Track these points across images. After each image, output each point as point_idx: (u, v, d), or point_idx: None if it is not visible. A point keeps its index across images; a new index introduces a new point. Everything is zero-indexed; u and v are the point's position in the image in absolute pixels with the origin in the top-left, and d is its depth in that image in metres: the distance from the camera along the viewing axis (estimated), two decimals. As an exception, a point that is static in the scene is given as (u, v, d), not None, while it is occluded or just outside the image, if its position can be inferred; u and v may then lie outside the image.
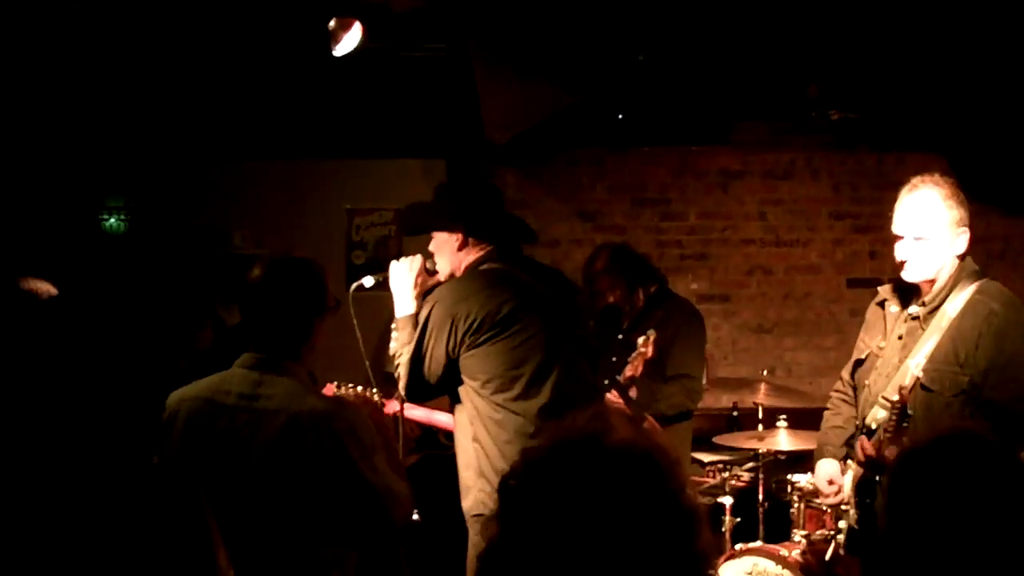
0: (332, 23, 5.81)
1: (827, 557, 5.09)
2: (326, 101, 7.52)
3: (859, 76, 7.25)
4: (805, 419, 6.18)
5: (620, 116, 7.63)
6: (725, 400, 8.11)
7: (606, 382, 5.68)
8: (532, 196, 8.56)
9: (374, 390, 5.19)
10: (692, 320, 6.47)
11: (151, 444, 3.73)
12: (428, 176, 7.95)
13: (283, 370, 3.69)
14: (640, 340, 5.87)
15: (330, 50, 5.84)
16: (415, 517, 4.74)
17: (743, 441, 6.24)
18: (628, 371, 5.79)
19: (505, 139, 7.29)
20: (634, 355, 5.84)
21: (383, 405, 5.20)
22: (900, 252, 4.41)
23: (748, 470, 6.45)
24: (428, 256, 4.78)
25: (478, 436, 4.60)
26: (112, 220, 7.87)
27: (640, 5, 6.54)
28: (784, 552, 5.42)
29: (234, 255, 7.06)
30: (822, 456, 4.84)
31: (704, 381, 6.59)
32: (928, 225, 4.34)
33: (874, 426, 4.46)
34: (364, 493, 3.61)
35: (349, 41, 5.79)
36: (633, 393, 5.81)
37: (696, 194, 8.81)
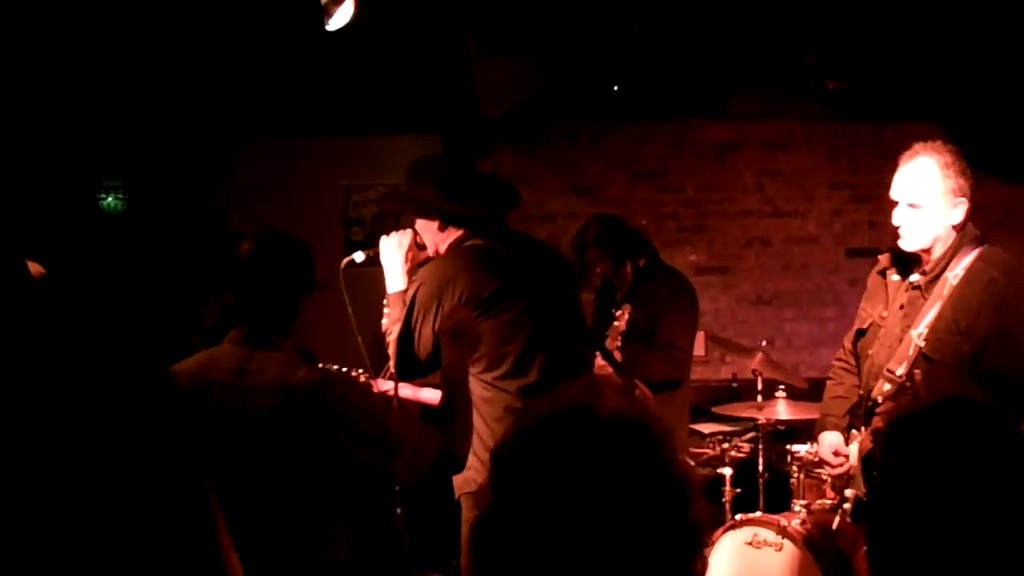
0: (324, -3, 5.78)
1: (834, 526, 5.10)
2: (321, 78, 7.50)
3: (855, 45, 7.22)
4: (804, 390, 6.21)
5: (616, 89, 7.60)
6: (724, 371, 8.15)
7: (596, 352, 5.67)
8: (528, 171, 8.55)
9: (361, 371, 5.18)
10: (681, 292, 6.45)
11: (163, 425, 3.73)
12: (424, 151, 7.94)
13: (272, 345, 3.70)
14: (617, 313, 5.87)
15: (323, 25, 5.80)
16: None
17: (742, 411, 6.24)
18: (607, 344, 5.79)
19: (499, 113, 7.27)
20: (610, 328, 5.85)
21: (372, 385, 5.20)
22: (895, 218, 4.41)
23: (748, 441, 6.46)
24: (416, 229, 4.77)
25: None
26: (110, 199, 7.86)
27: (634, -24, 6.53)
28: (784, 522, 5.43)
29: (233, 234, 7.04)
30: (824, 428, 4.84)
31: (703, 352, 6.59)
32: (922, 193, 4.33)
33: (880, 399, 4.46)
34: (357, 463, 3.62)
35: (342, 15, 5.75)
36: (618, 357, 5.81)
37: (693, 167, 8.81)
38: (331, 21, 5.73)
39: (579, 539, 1.82)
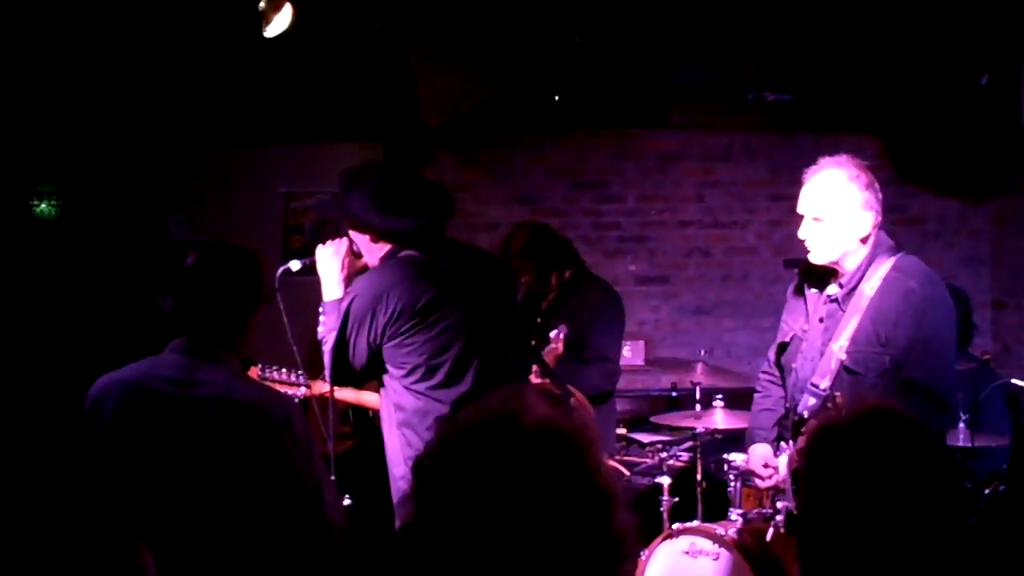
0: (262, 4, 5.75)
1: (768, 538, 5.12)
2: (260, 85, 7.45)
3: (794, 58, 7.28)
4: (744, 399, 6.23)
5: (557, 98, 7.60)
6: (664, 381, 8.16)
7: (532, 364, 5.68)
8: (470, 180, 8.55)
9: (300, 372, 5.17)
10: (609, 303, 6.47)
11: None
12: (365, 159, 7.91)
13: (217, 358, 3.66)
14: (552, 335, 5.88)
15: (261, 32, 5.78)
16: (346, 502, 4.74)
17: (680, 420, 6.25)
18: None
19: (440, 121, 7.25)
20: (546, 349, 5.85)
21: (309, 387, 5.19)
22: (801, 232, 4.43)
23: (686, 450, 6.48)
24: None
25: (402, 424, 4.59)
26: (43, 206, 7.76)
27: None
28: (721, 531, 5.43)
29: (169, 241, 6.99)
30: (753, 441, 4.86)
31: (642, 362, 6.60)
32: (826, 206, 4.35)
33: (806, 414, 4.47)
34: (298, 485, 3.59)
35: (280, 22, 5.73)
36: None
37: (634, 177, 8.83)
38: (269, 28, 5.71)
39: (502, 549, 1.81)
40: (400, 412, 4.59)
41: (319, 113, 7.86)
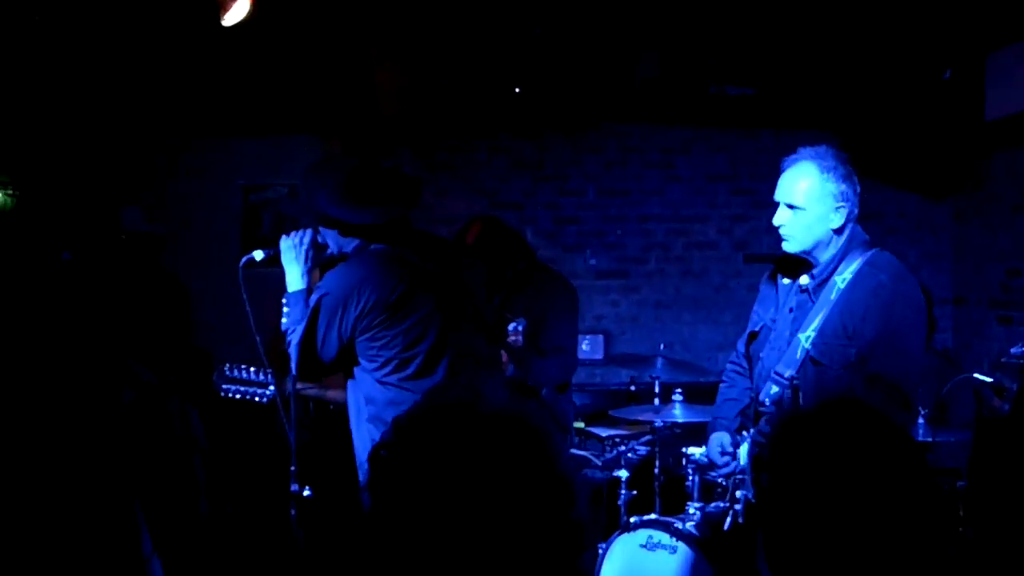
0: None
1: (725, 527, 5.12)
2: (217, 77, 7.39)
3: (756, 52, 7.28)
4: (703, 393, 6.23)
5: (517, 91, 7.58)
6: (623, 375, 8.16)
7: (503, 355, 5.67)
8: (430, 173, 8.51)
9: (267, 371, 5.12)
10: (563, 293, 6.45)
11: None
12: (323, 152, 7.89)
13: None
14: (510, 328, 5.87)
15: (219, 22, 5.72)
16: (306, 493, 4.71)
17: (639, 414, 6.25)
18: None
19: (397, 111, 7.22)
20: (504, 345, 5.84)
21: (277, 385, 5.15)
22: (776, 219, 4.44)
23: (644, 444, 6.48)
24: (319, 230, 4.72)
25: (373, 417, 4.57)
26: (-2, 195, 7.69)
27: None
28: (678, 524, 5.44)
29: (125, 232, 6.91)
30: (714, 430, 4.86)
31: (601, 356, 6.59)
32: (801, 195, 4.35)
33: (767, 402, 4.47)
34: None
35: (238, 11, 5.67)
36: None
37: (594, 170, 8.82)
38: (227, 16, 5.65)
39: (459, 538, 1.79)
40: (371, 405, 4.57)
41: (277, 106, 7.80)
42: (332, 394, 5.28)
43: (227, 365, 5.32)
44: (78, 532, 2.51)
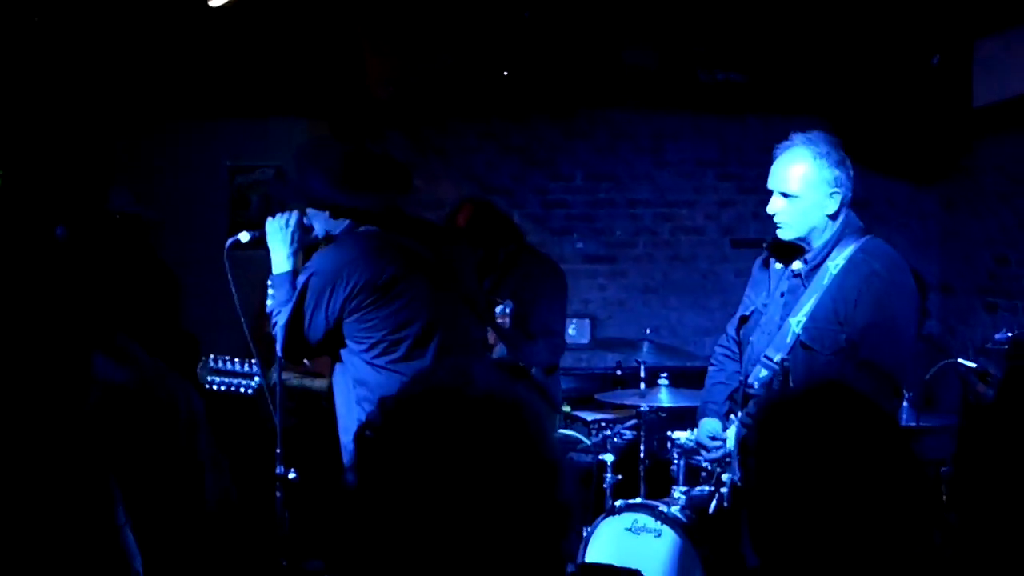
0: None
1: (710, 511, 5.14)
2: (205, 58, 7.36)
3: (745, 38, 7.28)
4: (689, 378, 6.23)
5: (506, 75, 7.57)
6: (610, 360, 8.16)
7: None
8: (419, 157, 8.49)
9: (253, 361, 5.11)
10: (552, 276, 6.48)
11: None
12: (312, 134, 7.86)
13: None
14: (497, 311, 5.88)
15: (207, 2, 5.71)
16: (292, 476, 4.70)
17: (625, 398, 6.26)
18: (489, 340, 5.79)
19: (387, 94, 7.20)
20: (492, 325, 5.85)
21: (262, 376, 5.13)
22: (770, 207, 4.43)
23: (630, 428, 6.48)
24: (305, 212, 4.71)
25: (362, 399, 4.56)
26: (-17, 176, 7.65)
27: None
28: (663, 508, 5.45)
29: (112, 213, 6.89)
30: (704, 415, 4.87)
31: (587, 340, 6.59)
32: (795, 182, 4.35)
33: (756, 385, 4.48)
34: None
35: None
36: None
37: (583, 155, 8.82)
38: (214, -3, 5.65)
39: (444, 519, 1.79)
40: (360, 387, 4.56)
41: (265, 87, 7.78)
42: (319, 384, 5.26)
43: (211, 357, 5.30)
44: (49, 500, 2.53)
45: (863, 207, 8.08)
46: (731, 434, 4.69)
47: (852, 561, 2.20)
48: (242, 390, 5.23)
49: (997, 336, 5.45)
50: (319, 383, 5.18)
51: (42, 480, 2.69)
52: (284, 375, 4.85)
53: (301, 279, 4.49)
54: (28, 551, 2.55)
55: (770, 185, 4.43)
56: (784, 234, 4.43)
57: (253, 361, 5.11)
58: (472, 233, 6.34)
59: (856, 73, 7.49)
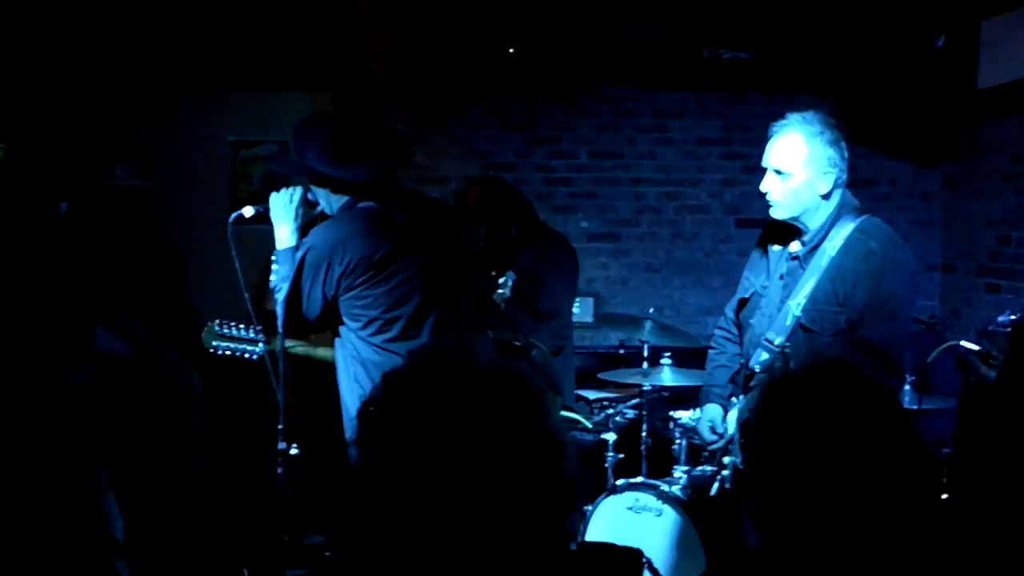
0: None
1: (712, 493, 5.14)
2: (208, 32, 7.34)
3: (750, 16, 7.25)
4: (692, 358, 6.23)
5: (511, 51, 7.55)
6: (613, 338, 8.16)
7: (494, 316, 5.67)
8: (422, 133, 8.48)
9: (258, 327, 5.12)
10: (563, 256, 6.47)
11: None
12: (314, 109, 7.84)
13: None
14: (500, 281, 5.88)
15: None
16: (294, 451, 4.71)
17: (628, 377, 6.25)
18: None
19: (391, 72, 7.19)
20: (495, 295, 5.84)
21: (267, 343, 5.14)
22: (763, 184, 4.44)
23: (632, 407, 6.48)
24: (309, 187, 4.70)
25: (359, 376, 4.57)
26: (-13, 148, 7.64)
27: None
28: (665, 487, 5.46)
29: (115, 187, 6.89)
30: (707, 400, 4.87)
31: (591, 319, 6.58)
32: (789, 160, 4.36)
33: (757, 368, 4.48)
34: None
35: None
36: None
37: (587, 133, 8.81)
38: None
39: (448, 495, 1.79)
40: (357, 364, 4.57)
41: (269, 61, 7.76)
42: (321, 353, 5.27)
43: (217, 321, 5.32)
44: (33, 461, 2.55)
45: (866, 187, 8.14)
46: (732, 418, 4.69)
47: (853, 538, 2.20)
48: (247, 356, 5.25)
49: (1000, 318, 5.43)
50: (322, 351, 5.19)
51: (27, 444, 2.70)
52: (289, 342, 4.86)
53: (298, 255, 4.50)
54: (7, 511, 2.56)
55: (764, 163, 4.44)
56: (776, 212, 4.44)
57: (259, 327, 5.12)
58: (482, 211, 6.34)
59: (861, 53, 7.47)
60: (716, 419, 4.77)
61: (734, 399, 4.75)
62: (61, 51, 7.32)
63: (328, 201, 4.64)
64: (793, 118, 4.40)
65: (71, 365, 3.54)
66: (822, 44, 7.42)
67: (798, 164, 4.34)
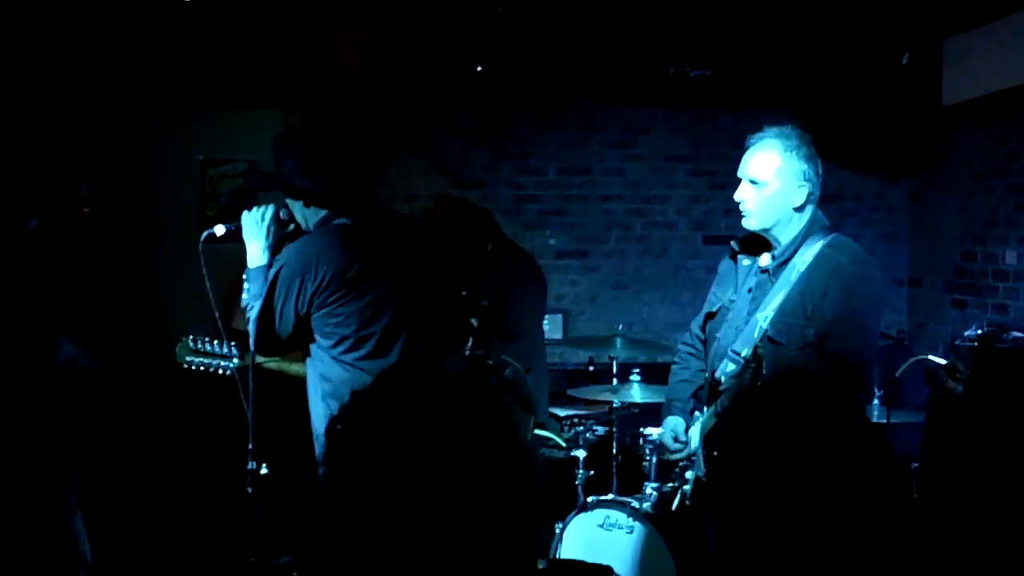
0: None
1: (673, 508, 5.16)
2: (177, 50, 7.33)
3: (716, 34, 7.28)
4: (661, 374, 6.24)
5: (479, 69, 7.56)
6: (582, 355, 8.17)
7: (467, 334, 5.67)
8: (391, 150, 8.47)
9: (232, 343, 5.11)
10: (530, 276, 6.45)
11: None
12: (284, 127, 7.84)
13: None
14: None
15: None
16: (263, 471, 4.69)
17: (597, 394, 6.26)
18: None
19: (360, 89, 7.19)
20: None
21: (242, 358, 5.12)
22: (737, 194, 4.47)
23: (602, 424, 6.48)
24: (282, 205, 4.70)
25: (329, 395, 4.56)
26: (-47, 168, 7.60)
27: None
28: (635, 504, 5.46)
29: (81, 205, 6.87)
30: (669, 413, 4.88)
31: (561, 336, 6.55)
32: (763, 170, 4.39)
33: (723, 379, 4.50)
34: None
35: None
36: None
37: (556, 149, 8.83)
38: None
39: (419, 509, 1.79)
40: (327, 383, 4.56)
41: (237, 79, 7.75)
42: (293, 368, 5.25)
43: (191, 337, 5.30)
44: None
45: (833, 201, 8.19)
46: (695, 431, 4.70)
47: (820, 547, 2.21)
48: (220, 371, 5.23)
49: (967, 333, 5.47)
50: (296, 366, 5.17)
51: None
52: (261, 358, 4.85)
53: (271, 272, 4.49)
54: None
55: (739, 173, 4.47)
56: (749, 223, 4.47)
57: (232, 343, 5.11)
58: (446, 229, 6.32)
59: (827, 70, 7.53)
60: (679, 428, 4.78)
61: (696, 413, 4.76)
62: (30, 72, 7.29)
63: (304, 216, 4.64)
64: (770, 131, 4.43)
65: (38, 375, 3.53)
66: (789, 61, 7.47)
67: (773, 174, 4.37)
